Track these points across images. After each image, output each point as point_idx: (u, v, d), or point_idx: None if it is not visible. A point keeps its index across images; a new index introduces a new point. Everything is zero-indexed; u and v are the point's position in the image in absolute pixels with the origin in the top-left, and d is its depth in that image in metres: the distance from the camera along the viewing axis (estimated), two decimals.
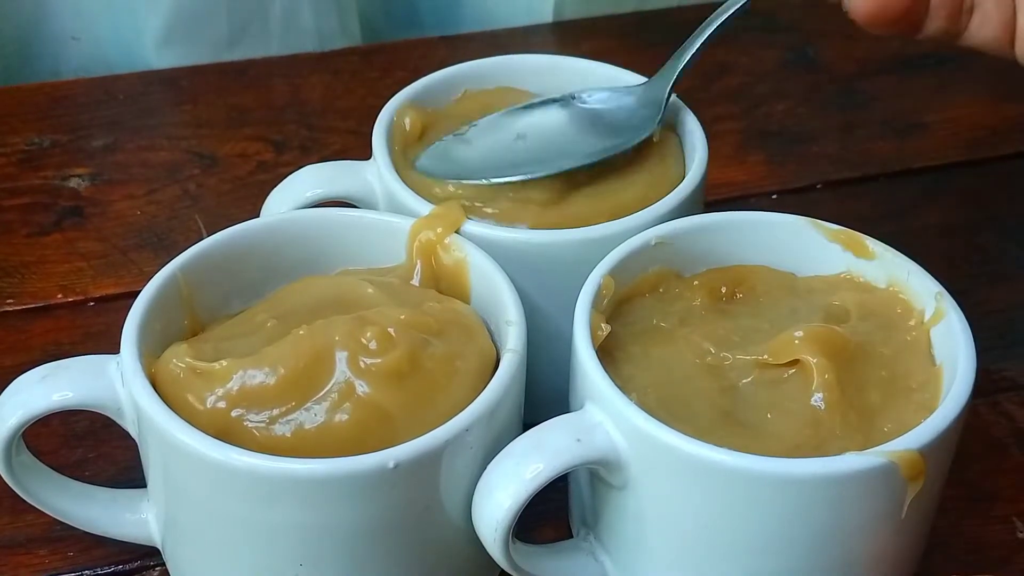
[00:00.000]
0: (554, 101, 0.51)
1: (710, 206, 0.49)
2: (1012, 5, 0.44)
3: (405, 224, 0.46)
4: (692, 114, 0.51)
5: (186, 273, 0.44)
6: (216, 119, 0.68)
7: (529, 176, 0.47)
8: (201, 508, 0.40)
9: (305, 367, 0.40)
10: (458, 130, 0.50)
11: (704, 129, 0.50)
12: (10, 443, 0.42)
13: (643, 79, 0.52)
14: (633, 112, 0.50)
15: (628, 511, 0.40)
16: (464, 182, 0.48)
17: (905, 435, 0.38)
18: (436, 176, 0.48)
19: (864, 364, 0.41)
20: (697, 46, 0.50)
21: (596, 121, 0.50)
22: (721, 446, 0.37)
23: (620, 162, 0.49)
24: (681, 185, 0.47)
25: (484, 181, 0.47)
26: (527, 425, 0.41)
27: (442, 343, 0.42)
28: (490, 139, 0.50)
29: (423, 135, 0.51)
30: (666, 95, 0.50)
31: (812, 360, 0.40)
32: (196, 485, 0.40)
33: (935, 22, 0.44)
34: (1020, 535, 0.47)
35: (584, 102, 0.51)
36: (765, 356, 0.41)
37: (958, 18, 0.45)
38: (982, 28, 0.45)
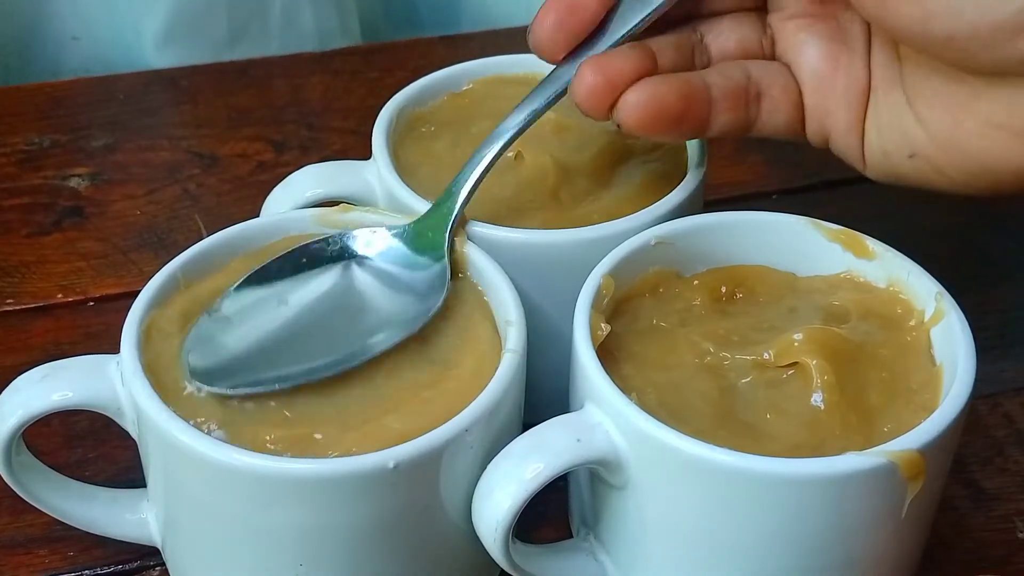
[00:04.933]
0: (329, 261, 0.44)
1: (710, 206, 0.49)
2: (798, 88, 0.44)
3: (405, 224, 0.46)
4: None
5: (186, 273, 0.44)
6: (216, 119, 0.68)
7: (322, 375, 0.41)
8: (201, 508, 0.40)
9: None
10: (211, 307, 0.43)
11: None
12: (10, 443, 0.42)
13: None
14: (421, 267, 0.44)
15: (628, 511, 0.40)
16: (254, 390, 0.40)
17: (905, 435, 0.38)
18: (219, 385, 0.40)
19: (864, 365, 0.41)
20: (478, 176, 0.45)
21: (381, 285, 0.44)
22: (721, 446, 0.37)
23: (620, 162, 0.49)
24: (681, 185, 0.47)
25: (276, 387, 0.40)
26: (527, 425, 0.41)
27: None
28: (256, 319, 0.43)
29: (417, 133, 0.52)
30: (446, 245, 0.44)
31: (811, 362, 0.40)
32: (196, 485, 0.40)
33: (721, 116, 0.43)
34: (1020, 535, 0.47)
35: (365, 260, 0.45)
36: (765, 356, 0.41)
37: (745, 109, 0.44)
38: (773, 115, 0.44)
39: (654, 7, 0.43)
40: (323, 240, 0.45)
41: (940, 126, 0.41)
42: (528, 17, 0.79)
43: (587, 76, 0.42)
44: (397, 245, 0.45)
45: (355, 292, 0.44)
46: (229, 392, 0.40)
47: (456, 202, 0.44)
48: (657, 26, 0.44)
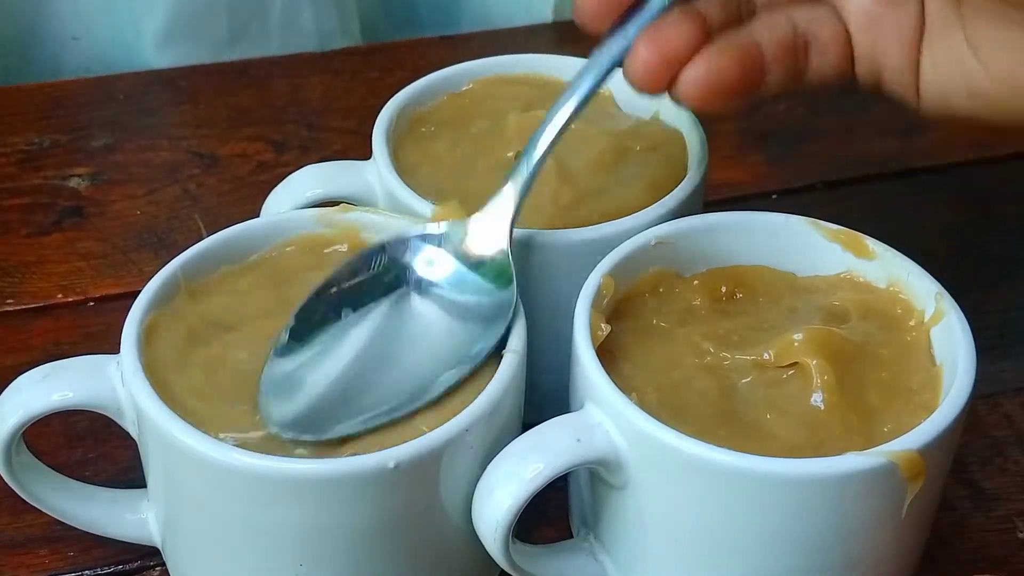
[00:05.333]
0: (389, 289, 0.43)
1: (710, 206, 0.49)
2: (846, 30, 0.43)
3: (405, 223, 0.46)
4: (692, 114, 0.51)
5: (186, 273, 0.44)
6: (216, 119, 0.68)
7: (399, 414, 0.40)
8: (201, 508, 0.40)
9: None
10: (279, 341, 0.42)
11: (704, 129, 0.50)
12: (10, 443, 0.42)
13: None
14: (484, 289, 0.43)
15: (628, 511, 0.40)
16: (338, 433, 0.40)
17: (905, 435, 0.38)
18: (300, 433, 0.40)
19: (864, 365, 0.41)
20: (534, 166, 0.43)
21: (446, 316, 0.43)
22: (721, 446, 0.37)
23: (620, 162, 0.49)
24: (681, 185, 0.47)
25: (360, 429, 0.40)
26: (527, 425, 0.41)
27: None
28: (326, 357, 0.42)
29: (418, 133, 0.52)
30: (508, 253, 0.43)
31: (811, 362, 0.40)
32: (196, 485, 0.40)
33: (772, 75, 0.42)
34: (1020, 535, 0.47)
35: (428, 287, 0.43)
36: (765, 356, 0.41)
37: (794, 62, 0.43)
38: (822, 61, 0.43)
39: None
40: (380, 249, 0.43)
41: (1002, 67, 0.41)
42: (528, 17, 0.79)
43: (642, 52, 0.41)
44: (458, 267, 0.43)
45: (421, 323, 0.43)
46: (316, 439, 0.39)
47: (512, 204, 0.43)
48: None
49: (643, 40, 0.41)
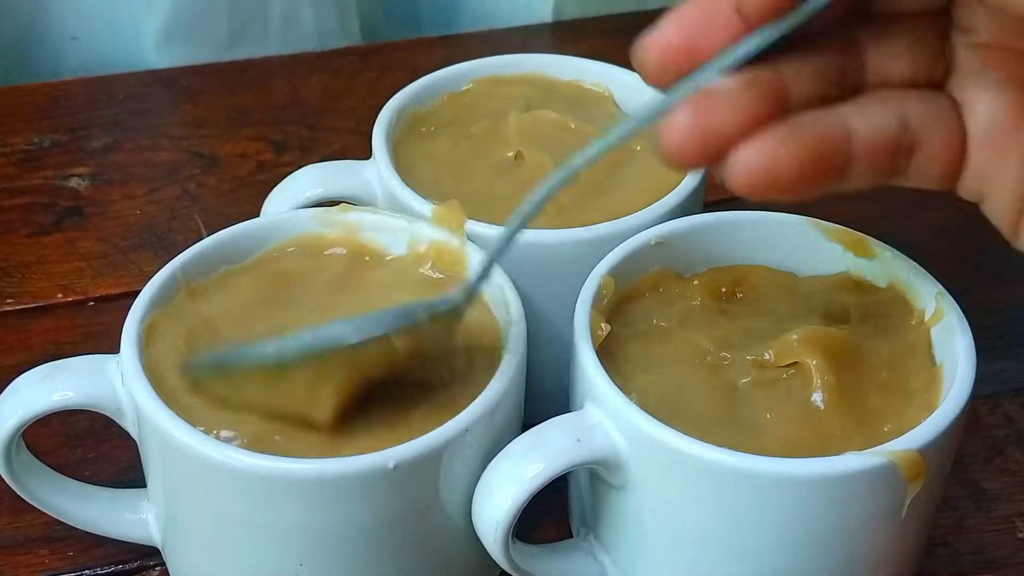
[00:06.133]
0: None
1: (710, 206, 0.49)
2: (963, 136, 0.35)
3: (405, 223, 0.46)
4: None
5: (186, 273, 0.44)
6: (216, 119, 0.68)
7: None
8: (201, 508, 0.40)
9: None
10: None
11: None
12: (10, 443, 0.42)
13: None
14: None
15: (628, 511, 0.40)
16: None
17: (905, 435, 0.38)
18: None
19: (864, 365, 0.41)
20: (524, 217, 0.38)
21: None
22: (721, 446, 0.37)
23: (620, 162, 0.49)
24: (681, 185, 0.47)
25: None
26: (527, 425, 0.41)
27: None
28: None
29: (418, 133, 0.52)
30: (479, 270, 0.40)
31: (811, 362, 0.40)
32: (196, 485, 0.40)
33: (858, 175, 0.34)
34: (1020, 535, 0.47)
35: None
36: (765, 356, 0.41)
37: (891, 164, 0.35)
38: (926, 167, 0.35)
39: (793, 23, 0.33)
40: None
41: None
42: (528, 17, 0.79)
43: (679, 120, 0.33)
44: None
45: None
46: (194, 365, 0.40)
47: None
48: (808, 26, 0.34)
49: (686, 105, 0.33)
